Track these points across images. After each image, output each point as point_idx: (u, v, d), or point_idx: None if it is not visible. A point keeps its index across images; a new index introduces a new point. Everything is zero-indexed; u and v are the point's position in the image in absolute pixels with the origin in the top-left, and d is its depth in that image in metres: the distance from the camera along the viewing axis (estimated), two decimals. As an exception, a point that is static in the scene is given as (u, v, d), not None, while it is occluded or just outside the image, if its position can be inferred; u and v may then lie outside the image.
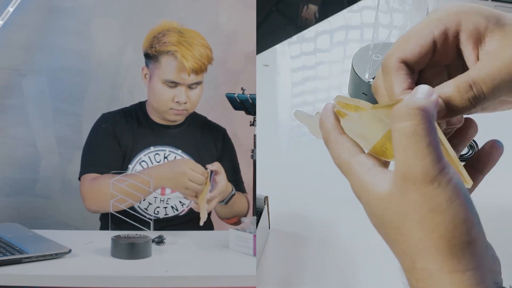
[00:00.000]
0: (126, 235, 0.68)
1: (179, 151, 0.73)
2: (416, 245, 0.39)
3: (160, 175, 0.71)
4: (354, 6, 1.21)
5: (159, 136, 0.73)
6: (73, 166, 0.74)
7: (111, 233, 0.68)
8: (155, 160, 0.72)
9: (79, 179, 0.72)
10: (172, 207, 0.72)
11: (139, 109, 0.73)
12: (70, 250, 0.67)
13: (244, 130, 0.73)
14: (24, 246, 0.66)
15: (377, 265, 0.75)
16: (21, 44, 0.72)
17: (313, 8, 2.07)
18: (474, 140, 0.90)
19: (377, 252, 0.76)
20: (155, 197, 0.72)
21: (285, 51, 1.10)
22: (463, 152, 0.90)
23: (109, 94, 0.74)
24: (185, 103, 0.72)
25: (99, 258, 0.66)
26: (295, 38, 1.13)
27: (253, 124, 0.72)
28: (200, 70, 0.71)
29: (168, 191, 0.72)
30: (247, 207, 0.72)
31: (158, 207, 0.72)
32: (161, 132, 0.73)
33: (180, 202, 0.72)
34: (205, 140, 0.74)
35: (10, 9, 0.70)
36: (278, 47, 1.11)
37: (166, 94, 0.72)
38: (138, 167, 0.72)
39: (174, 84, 0.71)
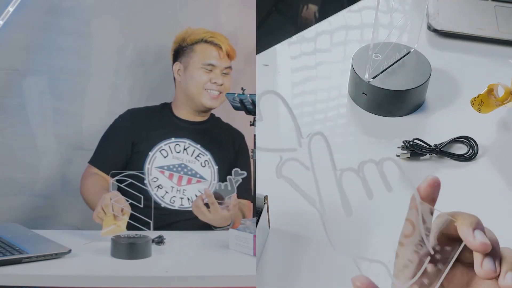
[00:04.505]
0: (126, 235, 0.68)
1: (198, 146, 0.73)
2: None
3: None
4: (354, 6, 1.21)
5: (181, 129, 0.75)
6: (73, 166, 0.74)
7: (111, 233, 0.68)
8: (175, 150, 0.73)
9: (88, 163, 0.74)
10: (188, 198, 0.73)
11: (165, 106, 0.76)
12: (70, 250, 0.67)
13: (244, 130, 0.73)
14: (24, 246, 0.66)
15: (377, 264, 0.74)
16: (21, 44, 0.72)
17: (313, 8, 2.07)
18: (473, 139, 0.90)
19: (377, 252, 0.76)
20: (172, 187, 0.72)
21: (285, 51, 1.10)
22: (462, 152, 0.90)
23: (109, 94, 0.74)
24: (221, 85, 0.74)
25: (99, 258, 0.66)
26: (295, 38, 1.13)
27: (253, 124, 0.72)
28: (231, 54, 0.74)
29: (184, 181, 0.73)
30: (240, 218, 0.73)
31: (175, 196, 0.72)
32: (183, 126, 0.75)
33: (196, 195, 0.73)
34: (224, 140, 0.75)
35: (10, 9, 0.70)
36: (278, 47, 1.11)
37: (203, 77, 0.74)
38: (158, 154, 0.73)
39: (211, 67, 0.73)
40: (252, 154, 0.73)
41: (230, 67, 0.74)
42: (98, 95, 0.74)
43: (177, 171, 0.73)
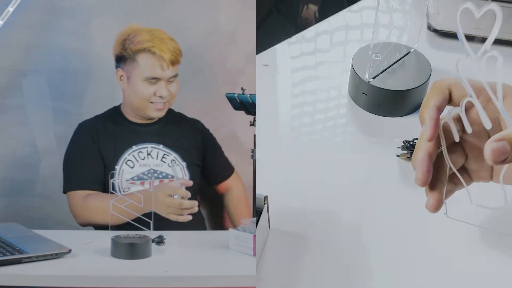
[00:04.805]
0: (126, 235, 0.68)
1: (161, 146, 0.73)
2: None
3: (148, 198, 0.72)
4: (354, 6, 1.21)
5: (139, 134, 0.74)
6: (73, 166, 0.74)
7: (111, 233, 0.68)
8: (140, 158, 0.73)
9: (64, 192, 0.72)
10: None
11: (115, 112, 0.74)
12: (70, 250, 0.67)
13: (244, 130, 0.73)
14: (24, 246, 0.66)
15: (378, 264, 0.75)
16: (21, 44, 0.72)
17: (313, 8, 2.07)
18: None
19: (378, 252, 0.76)
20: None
21: (285, 51, 1.10)
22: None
23: (109, 94, 0.74)
24: (166, 96, 0.73)
25: (99, 258, 0.66)
26: (295, 38, 1.13)
27: (253, 124, 0.72)
28: (176, 62, 0.72)
29: (156, 183, 0.73)
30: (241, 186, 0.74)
31: None
32: (140, 130, 0.74)
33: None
34: (184, 133, 0.75)
35: (10, 9, 0.70)
36: (278, 47, 1.11)
37: (148, 90, 0.72)
38: (125, 167, 0.72)
39: (155, 80, 0.72)
40: (252, 154, 0.73)
41: (175, 75, 0.73)
42: (98, 95, 0.74)
43: (147, 177, 0.72)
